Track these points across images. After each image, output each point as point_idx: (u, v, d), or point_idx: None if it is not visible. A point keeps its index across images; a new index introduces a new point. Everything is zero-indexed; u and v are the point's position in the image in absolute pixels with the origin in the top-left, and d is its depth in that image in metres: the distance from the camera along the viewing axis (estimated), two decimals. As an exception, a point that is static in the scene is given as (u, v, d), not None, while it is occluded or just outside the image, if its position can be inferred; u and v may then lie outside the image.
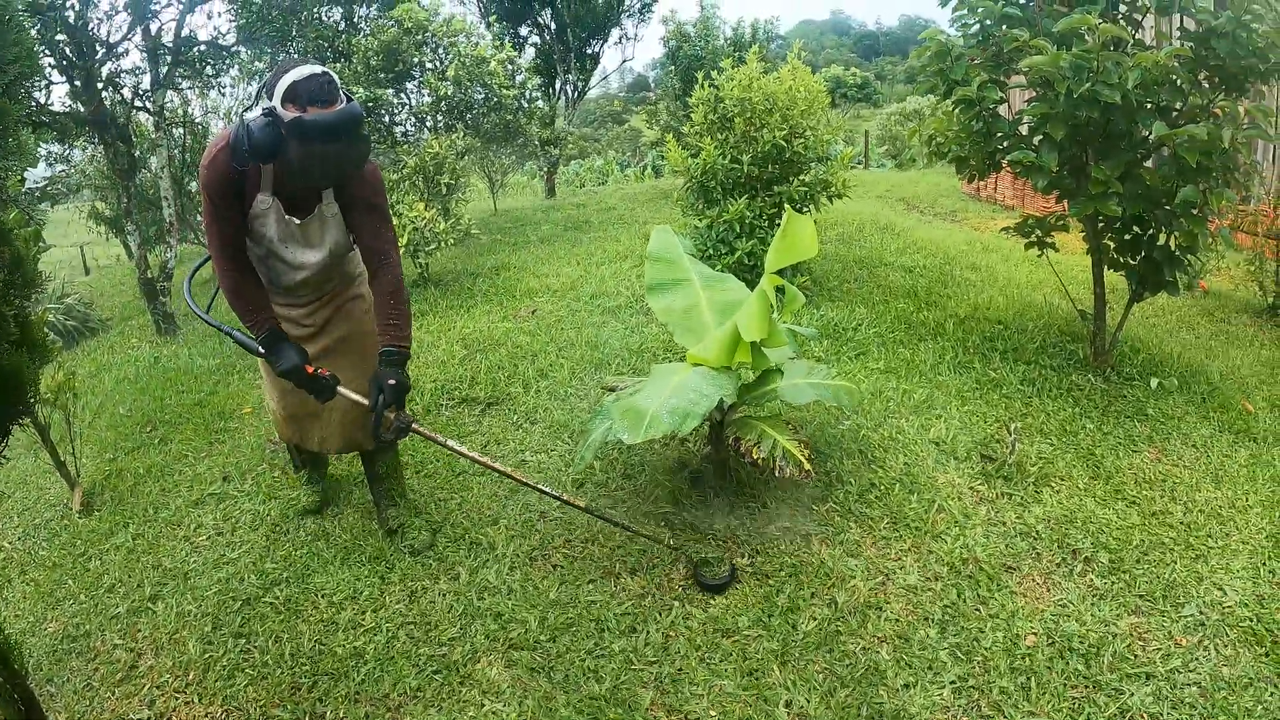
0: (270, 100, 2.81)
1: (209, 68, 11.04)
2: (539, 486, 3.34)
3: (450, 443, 3.31)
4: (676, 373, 3.46)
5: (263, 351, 3.17)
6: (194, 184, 12.57)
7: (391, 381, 3.07)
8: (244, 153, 2.80)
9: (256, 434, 5.08)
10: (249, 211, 3.08)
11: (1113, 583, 3.23)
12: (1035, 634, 2.97)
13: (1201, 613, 3.06)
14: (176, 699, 2.97)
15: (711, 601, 3.21)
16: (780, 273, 3.61)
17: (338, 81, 2.85)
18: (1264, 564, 3.35)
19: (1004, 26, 4.64)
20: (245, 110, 3.05)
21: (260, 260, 3.27)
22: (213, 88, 12.73)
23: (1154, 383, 4.91)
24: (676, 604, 3.20)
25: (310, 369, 3.14)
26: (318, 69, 2.82)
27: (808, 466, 3.32)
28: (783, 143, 6.27)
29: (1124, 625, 3.00)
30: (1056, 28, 4.17)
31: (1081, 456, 4.13)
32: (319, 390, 3.16)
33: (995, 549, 3.43)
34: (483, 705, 2.82)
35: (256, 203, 3.07)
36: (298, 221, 3.16)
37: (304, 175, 2.88)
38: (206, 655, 3.14)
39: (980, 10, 4.65)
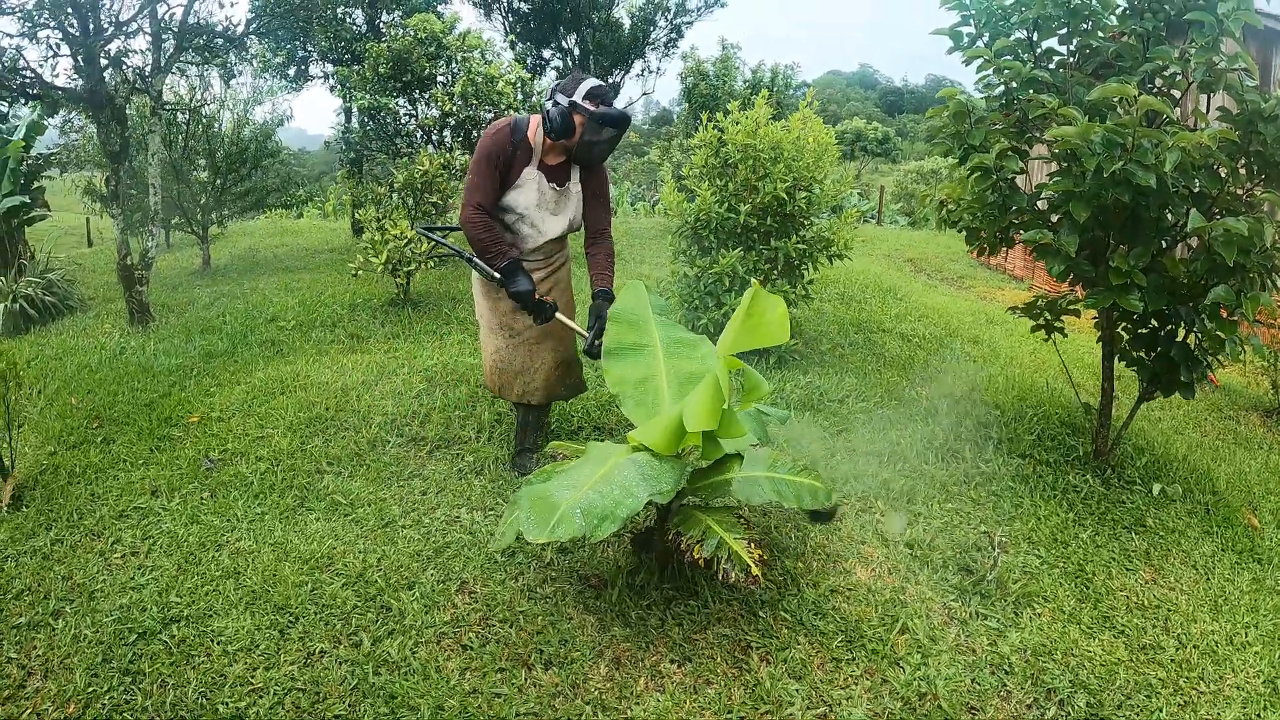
0: (570, 97, 3.82)
1: (221, 57, 10.82)
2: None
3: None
4: (611, 456, 3.05)
5: (499, 276, 4.01)
6: (195, 172, 12.33)
7: (607, 310, 3.96)
8: (549, 131, 3.89)
9: (197, 446, 4.81)
10: (512, 181, 4.02)
11: (1086, 733, 2.83)
12: (994, 793, 2.56)
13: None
14: (55, 731, 2.72)
15: (628, 713, 2.81)
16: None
17: None
18: (1258, 716, 2.98)
19: (1031, 91, 4.28)
20: (546, 102, 3.94)
21: (510, 226, 4.16)
22: (234, 76, 12.55)
23: (1156, 488, 4.57)
24: (589, 709, 2.80)
25: (537, 295, 4.07)
26: (600, 81, 3.94)
27: (756, 571, 2.88)
28: (784, 195, 5.93)
29: (1095, 788, 2.59)
30: (1090, 96, 3.81)
31: (1070, 574, 3.75)
32: (542, 312, 4.05)
33: (959, 683, 3.01)
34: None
35: (524, 175, 4.02)
36: (557, 188, 4.11)
37: (589, 149, 3.96)
38: (91, 689, 2.88)
39: (1006, 71, 4.29)
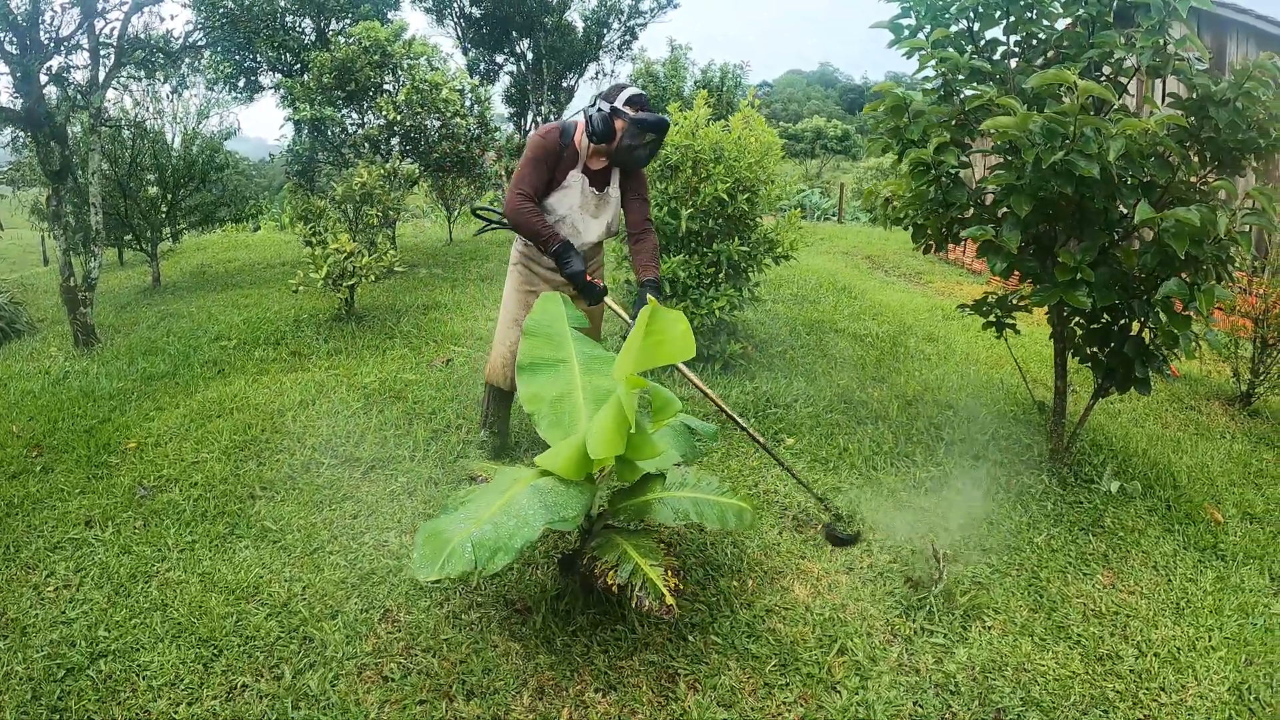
0: (612, 103, 4.06)
1: (164, 70, 10.60)
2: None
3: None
4: (515, 483, 2.88)
5: (553, 253, 4.14)
6: (142, 190, 12.06)
7: (651, 296, 3.86)
8: (590, 135, 4.08)
9: (133, 473, 4.67)
10: (558, 183, 4.21)
11: (1038, 756, 2.69)
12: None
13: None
14: (-14, 775, 2.66)
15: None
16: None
17: None
18: (1223, 727, 2.84)
19: (973, 83, 4.17)
20: (589, 109, 4.18)
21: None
22: (185, 88, 12.32)
23: (1115, 486, 4.46)
24: (510, 746, 2.65)
25: (588, 277, 4.22)
26: (639, 89, 4.26)
27: (670, 600, 2.72)
28: (725, 196, 5.79)
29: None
30: (1029, 83, 3.68)
31: (1023, 582, 3.62)
32: (591, 293, 4.20)
33: (900, 707, 2.86)
34: None
35: (569, 178, 4.20)
36: (597, 192, 4.29)
37: (629, 153, 4.14)
38: (20, 727, 2.79)
39: (946, 63, 4.17)
